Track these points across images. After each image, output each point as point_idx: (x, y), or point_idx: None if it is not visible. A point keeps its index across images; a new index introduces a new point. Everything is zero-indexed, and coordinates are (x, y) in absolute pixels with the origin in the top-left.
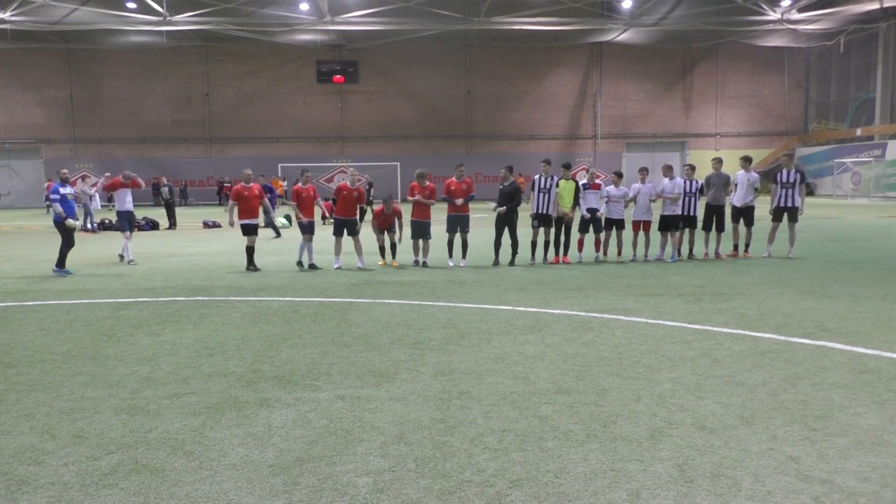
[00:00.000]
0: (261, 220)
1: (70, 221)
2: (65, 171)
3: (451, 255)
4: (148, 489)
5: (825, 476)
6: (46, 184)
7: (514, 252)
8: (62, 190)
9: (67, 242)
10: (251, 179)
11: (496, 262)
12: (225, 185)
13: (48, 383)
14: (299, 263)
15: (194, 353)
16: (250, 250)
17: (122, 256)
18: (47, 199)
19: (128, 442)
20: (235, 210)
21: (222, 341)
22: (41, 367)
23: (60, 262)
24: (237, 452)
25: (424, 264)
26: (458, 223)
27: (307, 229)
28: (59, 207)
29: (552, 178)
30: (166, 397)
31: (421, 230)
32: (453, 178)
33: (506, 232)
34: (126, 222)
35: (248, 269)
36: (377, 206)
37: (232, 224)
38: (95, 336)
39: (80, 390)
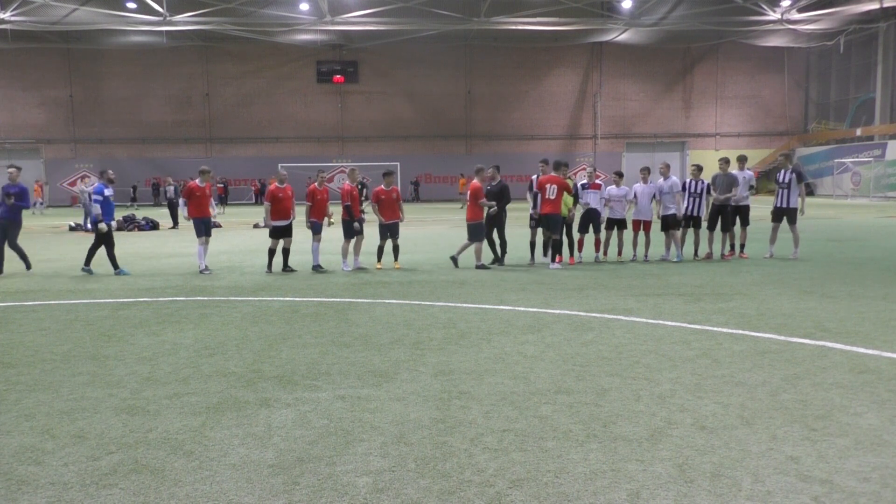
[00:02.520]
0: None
1: (102, 226)
2: (111, 171)
3: (494, 254)
4: (148, 489)
5: (825, 476)
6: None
7: (504, 251)
8: (106, 192)
9: (105, 243)
10: (285, 180)
11: (494, 261)
12: (218, 185)
13: (48, 383)
14: (315, 268)
15: (194, 353)
16: (272, 252)
17: (205, 268)
18: (89, 196)
19: (128, 442)
20: (269, 210)
21: (222, 341)
22: (41, 367)
23: (114, 263)
24: (237, 452)
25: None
26: (388, 230)
27: (318, 230)
28: (97, 208)
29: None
30: (166, 397)
31: (480, 231)
32: (382, 187)
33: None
34: (203, 226)
35: (268, 271)
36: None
37: (267, 226)
38: (95, 336)
39: (80, 390)
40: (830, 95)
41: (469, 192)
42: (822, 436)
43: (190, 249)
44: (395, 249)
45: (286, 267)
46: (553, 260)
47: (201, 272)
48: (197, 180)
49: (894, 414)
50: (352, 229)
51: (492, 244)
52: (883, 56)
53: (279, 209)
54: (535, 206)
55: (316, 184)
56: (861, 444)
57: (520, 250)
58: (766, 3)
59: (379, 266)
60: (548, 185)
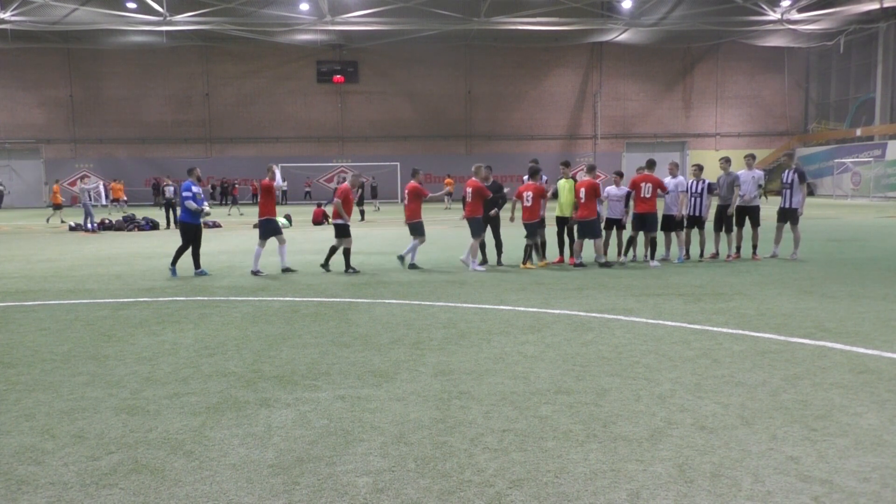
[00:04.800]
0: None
1: (206, 209)
2: (198, 169)
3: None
4: (148, 489)
5: (825, 476)
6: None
7: (500, 252)
8: (194, 188)
9: (190, 243)
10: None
11: (483, 262)
12: (234, 186)
13: (48, 383)
14: (408, 263)
15: (194, 353)
16: (347, 252)
17: (287, 269)
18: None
19: (128, 442)
20: (342, 207)
21: (222, 341)
22: (41, 367)
23: (196, 263)
24: (237, 452)
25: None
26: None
27: (420, 230)
28: (193, 204)
29: (542, 178)
30: (166, 397)
31: (597, 229)
32: (532, 183)
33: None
34: (269, 226)
35: (347, 271)
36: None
37: (345, 223)
38: (95, 336)
39: (80, 390)
40: (830, 95)
41: (585, 190)
42: (822, 436)
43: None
44: (542, 246)
45: (324, 266)
46: (652, 257)
47: (253, 273)
48: (268, 177)
49: (894, 414)
50: (480, 227)
51: (484, 246)
52: (883, 56)
53: (347, 209)
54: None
55: (417, 182)
56: (861, 444)
57: (518, 250)
58: (766, 3)
59: (542, 263)
60: (643, 184)
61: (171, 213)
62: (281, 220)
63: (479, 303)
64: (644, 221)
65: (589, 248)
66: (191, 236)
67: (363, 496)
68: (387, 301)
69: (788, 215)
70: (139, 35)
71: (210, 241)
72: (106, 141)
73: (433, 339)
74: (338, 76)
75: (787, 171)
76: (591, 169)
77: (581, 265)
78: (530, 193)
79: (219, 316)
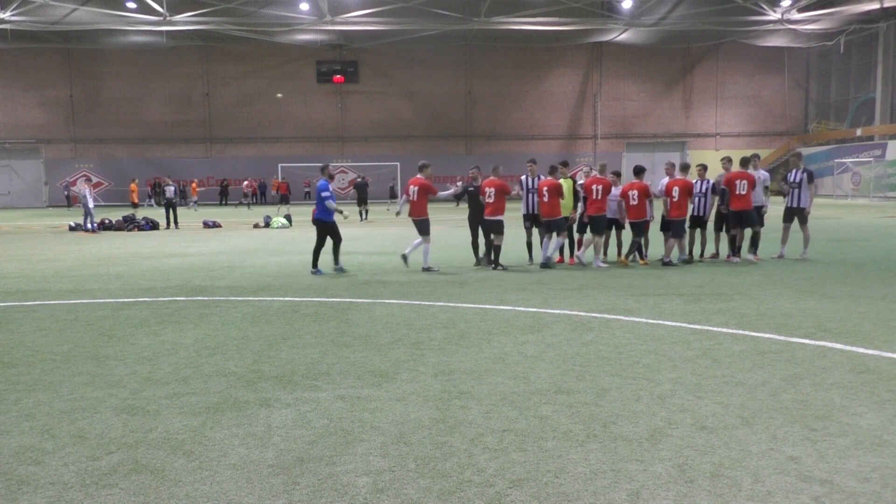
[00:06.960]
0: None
1: (345, 213)
2: (331, 166)
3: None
4: (148, 489)
5: (825, 476)
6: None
7: (489, 251)
8: (331, 187)
9: (324, 241)
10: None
11: (477, 263)
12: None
13: (48, 383)
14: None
15: (194, 353)
16: (498, 249)
17: (428, 268)
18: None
19: (128, 442)
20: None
21: (222, 341)
22: (41, 367)
23: (336, 259)
24: (237, 452)
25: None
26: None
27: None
28: (332, 204)
29: (539, 178)
30: (166, 397)
31: (681, 229)
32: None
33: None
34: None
35: (495, 267)
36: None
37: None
38: (95, 336)
39: (80, 390)
40: (830, 95)
41: (679, 189)
42: (822, 436)
43: (189, 249)
44: (636, 246)
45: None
46: (752, 252)
47: (423, 269)
48: (420, 175)
49: (894, 414)
50: (602, 224)
51: (475, 247)
52: (883, 56)
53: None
54: (525, 208)
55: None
56: (861, 444)
57: (518, 249)
58: (766, 3)
59: (625, 261)
60: (737, 181)
61: (171, 213)
62: (281, 221)
63: (479, 303)
64: (740, 218)
65: (588, 249)
66: (327, 233)
67: (363, 496)
68: (387, 301)
69: (796, 214)
70: (139, 35)
71: (210, 241)
72: (106, 141)
73: (433, 339)
74: (338, 76)
75: (794, 171)
76: (678, 167)
77: (670, 263)
78: (636, 192)
79: (219, 316)
